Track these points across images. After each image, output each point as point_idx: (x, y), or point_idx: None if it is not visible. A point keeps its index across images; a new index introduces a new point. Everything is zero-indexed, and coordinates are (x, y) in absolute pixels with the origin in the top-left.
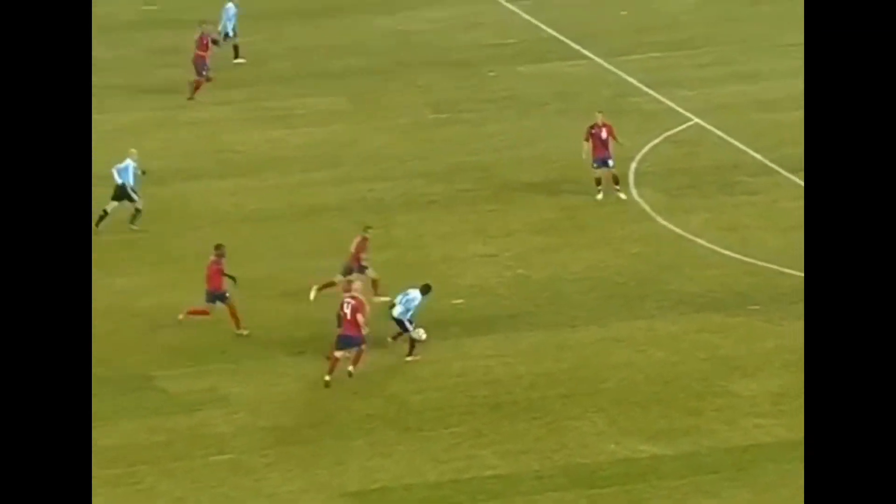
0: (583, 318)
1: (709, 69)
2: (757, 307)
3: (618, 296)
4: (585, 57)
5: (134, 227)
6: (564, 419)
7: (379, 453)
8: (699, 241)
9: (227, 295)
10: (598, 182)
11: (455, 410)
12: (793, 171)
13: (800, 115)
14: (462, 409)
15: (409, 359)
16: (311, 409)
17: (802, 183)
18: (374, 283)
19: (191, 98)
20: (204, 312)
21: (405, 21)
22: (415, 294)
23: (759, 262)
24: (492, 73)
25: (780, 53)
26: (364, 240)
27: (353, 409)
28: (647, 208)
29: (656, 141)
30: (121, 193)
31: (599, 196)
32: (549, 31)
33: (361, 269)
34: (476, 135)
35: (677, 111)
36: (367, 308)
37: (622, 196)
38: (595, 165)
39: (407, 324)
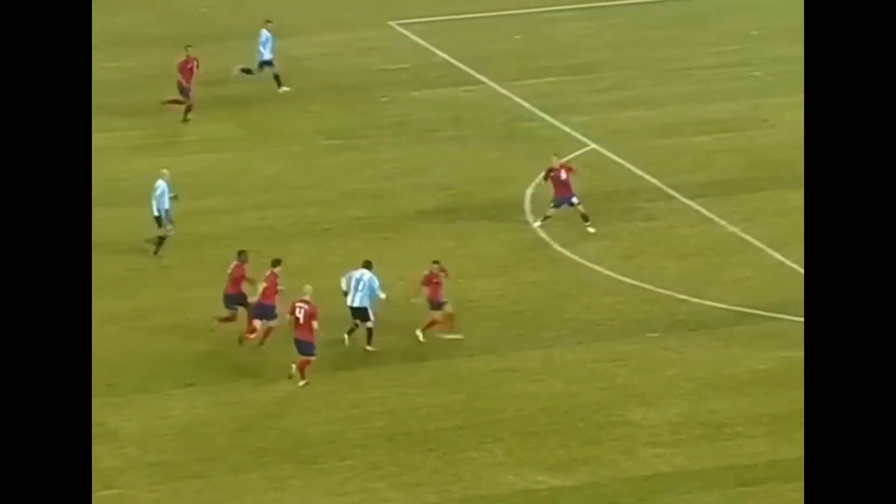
0: (479, 347)
1: (605, 94)
2: (655, 335)
3: (514, 325)
4: (479, 82)
5: (153, 250)
6: (461, 450)
7: (273, 487)
8: (597, 268)
9: (249, 301)
10: (546, 218)
11: (350, 442)
12: (691, 197)
13: (698, 139)
14: (357, 441)
15: (369, 348)
16: (202, 443)
17: (700, 209)
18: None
19: (185, 120)
20: (230, 319)
21: (296, 46)
22: (364, 274)
23: (658, 289)
24: (385, 99)
25: (676, 78)
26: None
27: (246, 443)
28: (544, 235)
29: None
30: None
31: (538, 222)
32: (443, 55)
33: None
34: (370, 161)
35: (574, 136)
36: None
37: (591, 230)
38: (553, 205)
39: (370, 312)
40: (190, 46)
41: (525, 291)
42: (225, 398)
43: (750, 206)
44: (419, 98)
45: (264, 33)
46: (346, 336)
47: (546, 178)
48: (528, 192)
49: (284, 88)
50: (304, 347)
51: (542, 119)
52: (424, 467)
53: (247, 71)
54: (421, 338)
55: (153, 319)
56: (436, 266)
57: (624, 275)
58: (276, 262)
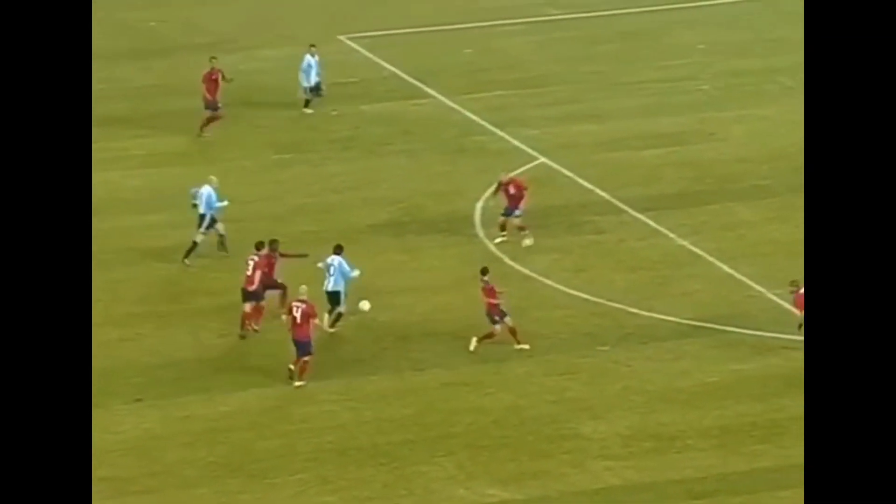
0: (429, 361)
1: (554, 108)
2: (605, 348)
3: (464, 338)
4: (429, 96)
5: (186, 263)
6: (412, 464)
7: (224, 502)
8: (547, 281)
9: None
10: (503, 228)
11: (300, 457)
12: (640, 211)
13: (646, 153)
14: (307, 455)
15: (331, 330)
16: (152, 458)
17: (649, 222)
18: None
19: (200, 135)
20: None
21: (245, 61)
22: (335, 259)
23: (607, 303)
24: (334, 113)
25: (624, 92)
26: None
27: (196, 457)
28: (494, 249)
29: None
30: (207, 222)
31: (497, 240)
32: (392, 69)
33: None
34: (320, 175)
35: (523, 150)
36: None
37: (528, 242)
38: (503, 214)
39: (342, 296)
40: (214, 58)
41: (475, 305)
42: (174, 413)
43: (698, 220)
44: (369, 112)
45: (308, 59)
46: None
47: (496, 191)
48: (479, 205)
49: (308, 111)
50: (303, 347)
51: (492, 133)
52: (375, 481)
53: (309, 98)
54: (472, 346)
55: (101, 334)
56: (484, 279)
57: (574, 288)
58: (266, 245)
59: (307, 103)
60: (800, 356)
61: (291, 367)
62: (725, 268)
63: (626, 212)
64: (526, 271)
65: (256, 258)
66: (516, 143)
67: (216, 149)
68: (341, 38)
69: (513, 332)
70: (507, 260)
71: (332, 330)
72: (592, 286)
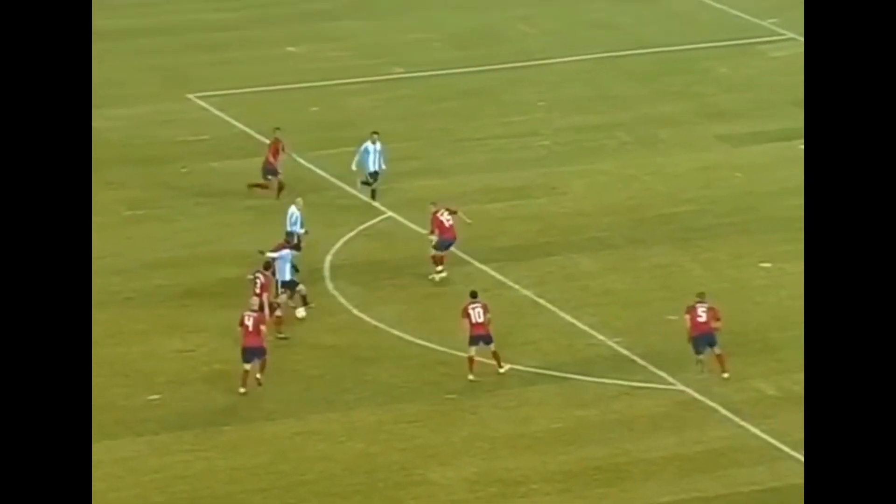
0: (280, 411)
1: (399, 164)
2: (452, 396)
3: (315, 388)
4: None
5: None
6: None
7: None
8: (395, 332)
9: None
10: (439, 262)
11: None
12: (485, 262)
13: (490, 206)
14: None
15: (301, 313)
16: None
17: (494, 273)
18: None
19: (251, 187)
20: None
21: (96, 119)
22: (284, 252)
23: (454, 352)
24: (185, 170)
25: (468, 148)
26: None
27: None
28: (343, 301)
29: (351, 234)
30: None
31: (437, 276)
32: (242, 126)
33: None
34: (171, 231)
35: (371, 205)
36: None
37: (439, 276)
38: (438, 247)
39: (297, 282)
40: (278, 129)
41: (325, 355)
42: None
43: (542, 271)
44: (218, 168)
45: (367, 145)
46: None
47: (432, 231)
48: (328, 258)
49: (376, 203)
50: (258, 353)
51: (340, 188)
52: None
53: (369, 182)
54: (501, 370)
55: None
56: (476, 301)
57: (421, 338)
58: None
59: (373, 194)
60: (640, 401)
61: (258, 376)
62: (568, 317)
63: (471, 263)
64: (374, 322)
65: (262, 277)
66: (364, 197)
67: None
68: (190, 96)
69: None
70: (355, 311)
71: (302, 313)
72: (439, 336)
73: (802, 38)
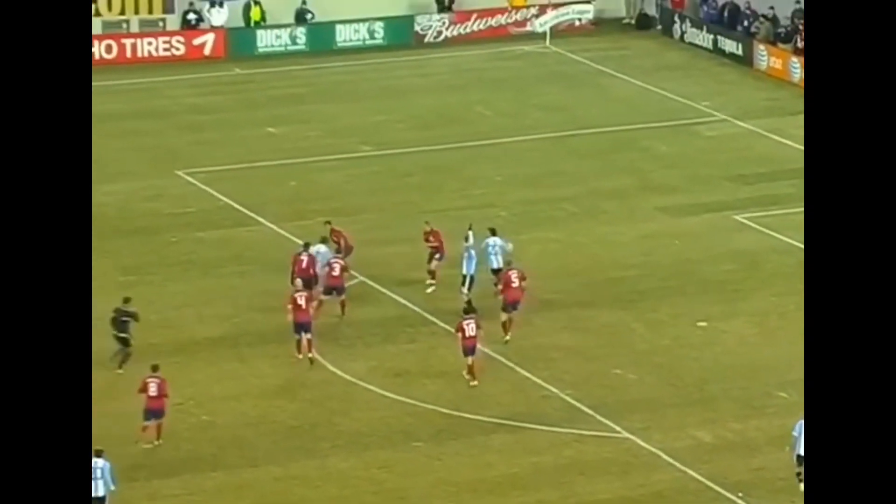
0: (262, 458)
1: (369, 233)
2: (419, 444)
3: (294, 437)
4: (259, 223)
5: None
6: None
7: None
8: (366, 385)
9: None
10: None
11: None
12: (447, 322)
13: (453, 272)
14: None
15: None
16: None
17: (451, 329)
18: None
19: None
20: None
21: (93, 193)
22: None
23: (421, 404)
24: (174, 239)
25: (430, 219)
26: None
27: None
28: (319, 357)
29: (326, 297)
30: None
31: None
32: (226, 200)
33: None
34: (161, 294)
35: None
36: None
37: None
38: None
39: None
40: (329, 222)
41: (302, 408)
42: None
43: (499, 329)
44: (205, 238)
45: (492, 239)
46: None
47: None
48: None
49: (465, 294)
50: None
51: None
52: None
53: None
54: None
55: None
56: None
57: (391, 391)
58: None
59: (469, 285)
60: (589, 448)
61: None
62: (523, 372)
63: (435, 323)
64: (347, 377)
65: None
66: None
67: None
68: (179, 173)
69: (470, 369)
70: (330, 367)
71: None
72: (407, 389)
73: (734, 119)
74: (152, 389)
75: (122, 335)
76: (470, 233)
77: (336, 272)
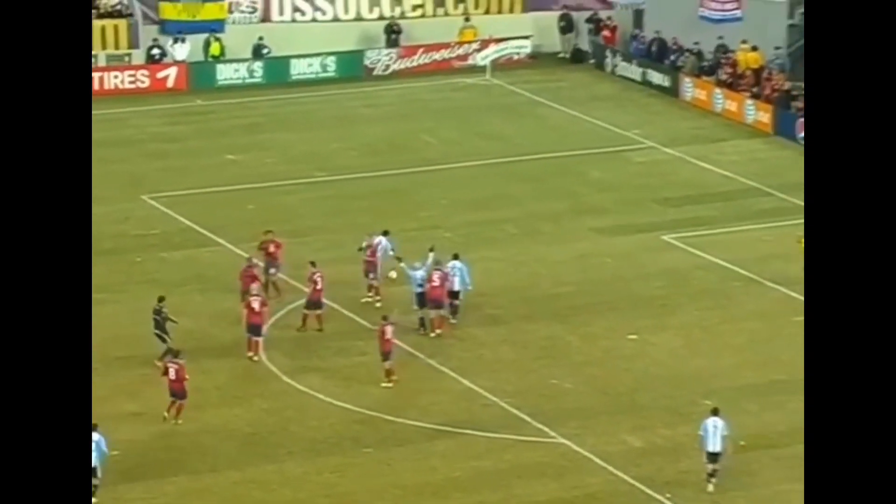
0: (223, 463)
1: (323, 252)
2: (369, 449)
3: (252, 444)
4: (219, 244)
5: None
6: None
7: None
8: (319, 395)
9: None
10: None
11: None
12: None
13: (402, 289)
14: None
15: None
16: None
17: (403, 345)
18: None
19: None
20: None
21: None
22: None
23: (369, 412)
24: (138, 259)
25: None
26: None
27: None
28: (275, 369)
29: (282, 312)
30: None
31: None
32: (187, 222)
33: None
34: (127, 311)
35: (297, 287)
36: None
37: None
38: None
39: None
40: (270, 231)
41: (259, 416)
42: None
43: (443, 342)
44: (168, 258)
45: (451, 264)
46: None
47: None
48: (263, 330)
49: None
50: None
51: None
52: None
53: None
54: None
55: None
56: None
57: (341, 400)
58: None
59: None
60: (527, 453)
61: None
62: (466, 382)
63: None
64: (301, 387)
65: (319, 275)
66: (293, 282)
67: None
68: (144, 197)
69: (389, 372)
70: (285, 378)
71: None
72: (356, 398)
73: (661, 147)
74: (171, 373)
75: (157, 332)
76: (431, 254)
77: (319, 286)
